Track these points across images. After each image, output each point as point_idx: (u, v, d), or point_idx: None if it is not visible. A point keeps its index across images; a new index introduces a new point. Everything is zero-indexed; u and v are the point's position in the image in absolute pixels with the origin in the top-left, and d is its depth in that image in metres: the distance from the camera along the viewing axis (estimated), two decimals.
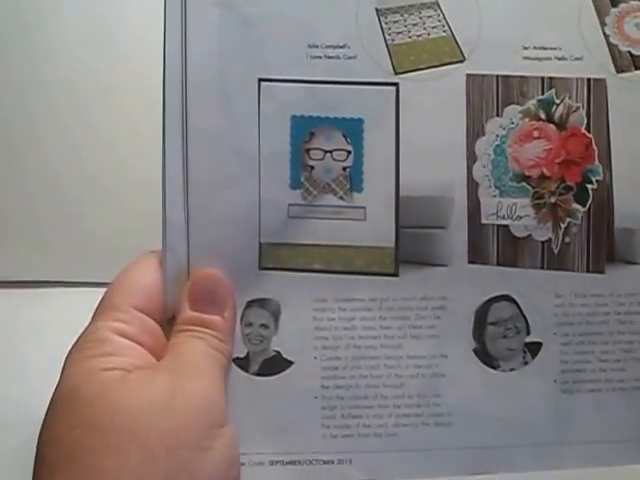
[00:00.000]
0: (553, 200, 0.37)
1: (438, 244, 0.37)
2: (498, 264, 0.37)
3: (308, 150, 0.36)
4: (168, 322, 0.35)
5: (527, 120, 0.37)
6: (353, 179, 0.36)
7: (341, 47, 0.36)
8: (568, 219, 0.37)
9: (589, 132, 0.37)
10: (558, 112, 0.37)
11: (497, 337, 0.37)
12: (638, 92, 0.37)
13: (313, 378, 0.36)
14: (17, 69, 0.62)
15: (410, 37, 0.37)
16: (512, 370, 0.37)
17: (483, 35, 0.37)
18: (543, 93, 0.37)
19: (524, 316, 0.37)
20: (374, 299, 0.36)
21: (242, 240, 0.36)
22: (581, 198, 0.37)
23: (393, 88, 0.36)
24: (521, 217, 0.37)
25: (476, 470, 0.36)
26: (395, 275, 0.37)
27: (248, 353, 0.36)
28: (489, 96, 0.37)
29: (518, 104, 0.37)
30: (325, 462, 0.36)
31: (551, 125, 0.37)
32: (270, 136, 0.36)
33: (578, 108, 0.37)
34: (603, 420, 0.37)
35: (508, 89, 0.37)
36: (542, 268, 0.37)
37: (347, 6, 0.36)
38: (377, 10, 0.37)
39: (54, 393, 0.32)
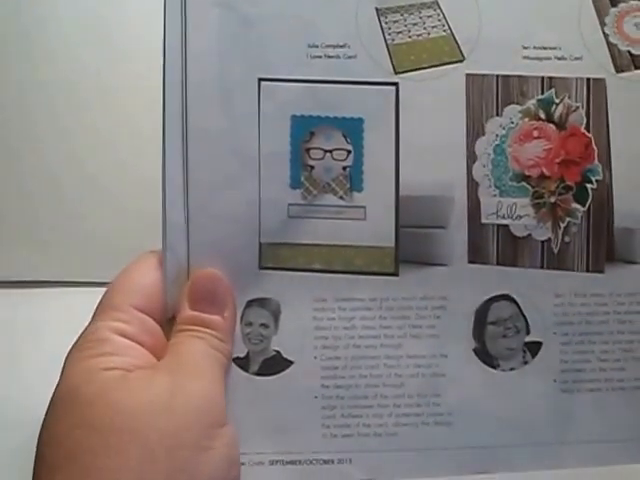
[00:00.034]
0: (553, 200, 0.37)
1: (438, 244, 0.37)
2: (498, 264, 0.37)
3: (308, 150, 0.36)
4: (168, 322, 0.35)
5: (527, 120, 0.37)
6: (353, 179, 0.36)
7: (341, 47, 0.36)
8: (568, 219, 0.37)
9: (589, 132, 0.37)
10: (558, 112, 0.37)
11: (497, 337, 0.37)
12: (638, 92, 0.37)
13: (313, 378, 0.36)
14: (17, 69, 0.62)
15: (410, 37, 0.37)
16: (512, 370, 0.37)
17: (483, 35, 0.37)
18: (543, 93, 0.37)
19: (524, 316, 0.37)
20: (374, 299, 0.36)
21: (242, 240, 0.36)
22: (581, 198, 0.37)
23: (393, 88, 0.36)
24: (521, 217, 0.37)
25: (476, 470, 0.36)
26: (395, 275, 0.37)
27: (248, 353, 0.36)
28: (489, 96, 0.37)
29: (518, 104, 0.37)
30: (325, 462, 0.36)
31: (551, 125, 0.37)
32: (270, 136, 0.36)
33: (578, 108, 0.37)
34: (603, 420, 0.37)
35: (508, 89, 0.37)
36: (542, 268, 0.37)
37: (347, 6, 0.36)
38: (377, 10, 0.37)
39: (54, 393, 0.32)
